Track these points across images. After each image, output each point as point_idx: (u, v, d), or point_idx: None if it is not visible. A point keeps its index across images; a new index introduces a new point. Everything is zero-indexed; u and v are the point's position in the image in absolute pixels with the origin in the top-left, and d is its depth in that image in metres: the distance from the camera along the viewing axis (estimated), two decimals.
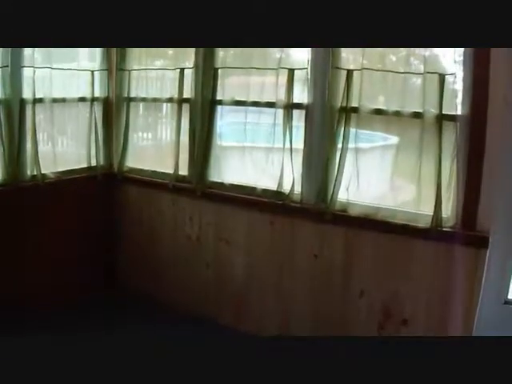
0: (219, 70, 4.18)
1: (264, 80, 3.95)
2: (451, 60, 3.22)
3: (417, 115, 3.34)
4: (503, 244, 3.20)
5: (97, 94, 4.82)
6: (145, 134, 4.96)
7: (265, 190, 4.00)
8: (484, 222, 3.19)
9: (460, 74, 3.19)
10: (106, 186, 4.97)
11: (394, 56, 3.47)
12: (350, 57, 3.59)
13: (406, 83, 3.38)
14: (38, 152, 4.34)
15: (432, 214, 3.29)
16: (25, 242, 4.32)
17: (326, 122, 3.64)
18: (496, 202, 3.16)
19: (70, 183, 4.67)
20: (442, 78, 3.20)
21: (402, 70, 3.37)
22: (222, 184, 4.25)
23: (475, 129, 3.15)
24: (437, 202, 3.27)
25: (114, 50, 4.82)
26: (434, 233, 3.29)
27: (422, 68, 3.27)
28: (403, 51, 3.40)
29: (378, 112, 3.48)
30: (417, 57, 3.35)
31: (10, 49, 4.06)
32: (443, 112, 3.23)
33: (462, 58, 3.16)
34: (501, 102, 3.04)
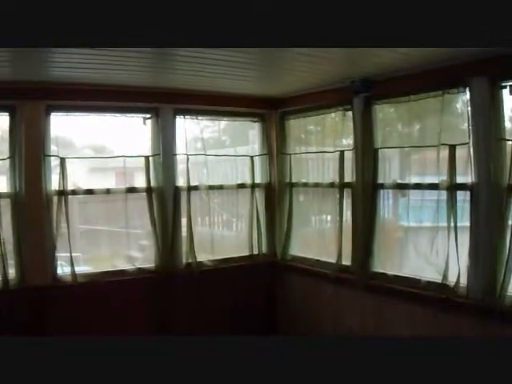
0: (379, 151, 3.82)
1: (425, 157, 3.52)
2: None
3: None
4: None
5: (257, 179, 4.73)
6: (307, 221, 4.69)
7: (429, 283, 3.46)
8: None
9: None
10: (267, 275, 4.77)
11: None
12: None
13: None
14: (193, 239, 4.30)
15: None
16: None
17: (494, 204, 3.05)
18: None
19: (228, 272, 4.55)
20: None
21: None
22: (385, 275, 3.79)
23: None
24: None
25: (273, 134, 4.74)
26: None
27: None
28: None
29: None
30: None
31: (161, 137, 4.14)
32: None
33: None
34: None
